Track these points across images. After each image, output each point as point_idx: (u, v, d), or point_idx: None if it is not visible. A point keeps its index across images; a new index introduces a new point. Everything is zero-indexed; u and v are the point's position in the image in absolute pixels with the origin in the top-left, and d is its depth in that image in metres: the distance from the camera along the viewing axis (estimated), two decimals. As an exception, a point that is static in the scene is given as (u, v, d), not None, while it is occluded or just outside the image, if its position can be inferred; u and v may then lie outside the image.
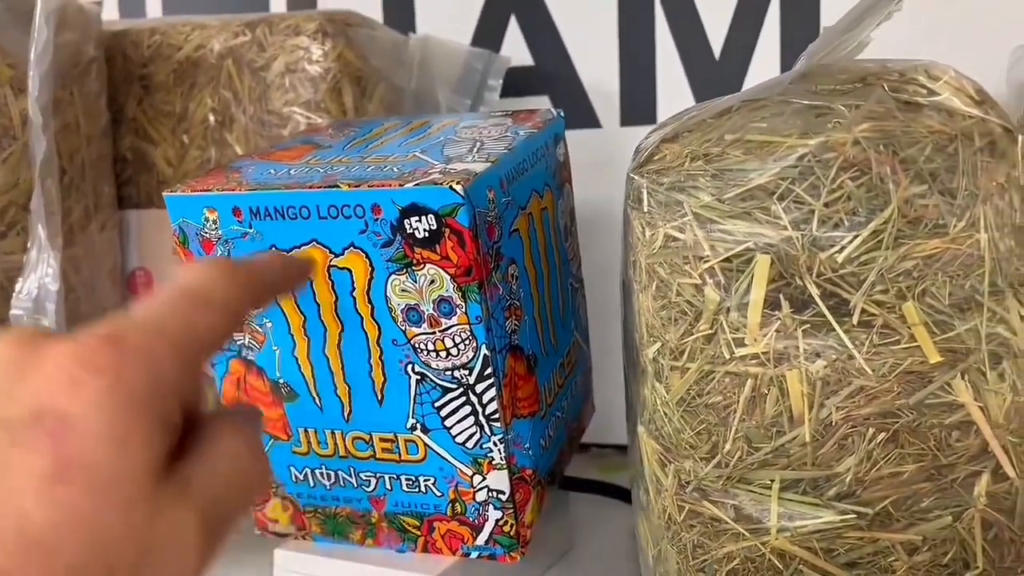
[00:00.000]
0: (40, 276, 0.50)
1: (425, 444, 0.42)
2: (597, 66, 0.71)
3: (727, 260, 0.36)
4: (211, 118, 0.61)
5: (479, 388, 0.40)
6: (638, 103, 0.71)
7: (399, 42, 0.66)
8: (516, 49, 0.72)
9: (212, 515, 0.23)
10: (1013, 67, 0.49)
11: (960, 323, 0.34)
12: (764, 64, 0.67)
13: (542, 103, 0.73)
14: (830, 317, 0.35)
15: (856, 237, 0.34)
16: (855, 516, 0.35)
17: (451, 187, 0.37)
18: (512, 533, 0.43)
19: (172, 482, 0.23)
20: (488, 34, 0.72)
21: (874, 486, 0.35)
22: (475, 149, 0.42)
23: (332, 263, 0.40)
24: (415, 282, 0.39)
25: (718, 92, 0.43)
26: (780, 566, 0.36)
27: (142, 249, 0.63)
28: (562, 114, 0.52)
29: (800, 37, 0.66)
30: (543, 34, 0.71)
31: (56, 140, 0.53)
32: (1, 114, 0.51)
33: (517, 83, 0.72)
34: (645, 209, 0.37)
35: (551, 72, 0.72)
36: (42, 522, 0.20)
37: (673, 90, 0.70)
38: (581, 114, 0.72)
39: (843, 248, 0.34)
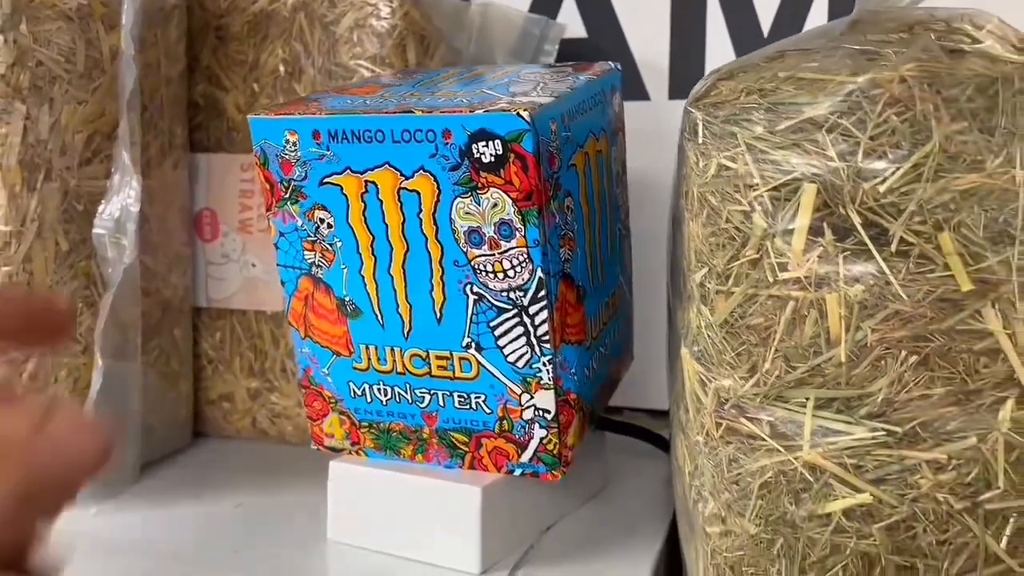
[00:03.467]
0: (123, 199, 0.54)
1: (479, 362, 0.45)
2: (648, 40, 0.74)
3: (775, 189, 0.38)
4: (281, 68, 0.65)
5: (532, 310, 0.43)
6: (687, 77, 0.74)
7: (461, 6, 0.69)
8: (570, 21, 0.75)
9: None
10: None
11: (993, 255, 0.37)
12: (812, 41, 0.69)
13: (593, 74, 0.76)
14: (870, 245, 0.37)
15: (898, 169, 0.36)
16: (885, 434, 0.38)
17: (518, 113, 0.40)
18: (555, 452, 0.46)
19: None
20: (545, 5, 0.74)
21: (904, 407, 0.38)
22: (539, 87, 0.45)
23: (402, 185, 0.43)
24: (479, 205, 0.42)
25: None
26: (811, 479, 0.39)
27: (209, 191, 0.66)
28: (619, 67, 0.55)
29: (847, 13, 0.68)
30: (597, 7, 0.74)
31: (138, 78, 0.57)
32: (92, 48, 0.54)
33: (570, 54, 0.75)
34: (700, 140, 0.40)
35: (603, 45, 0.75)
36: None
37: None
38: (631, 86, 0.75)
39: (885, 179, 0.37)
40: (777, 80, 0.39)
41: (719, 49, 0.73)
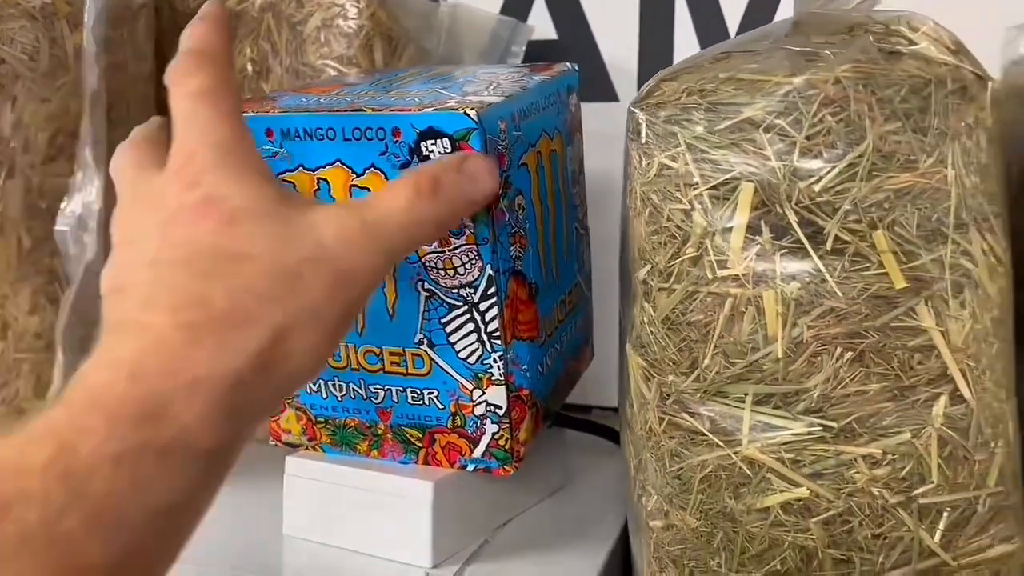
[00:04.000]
0: (85, 196, 0.54)
1: (431, 358, 0.46)
2: (617, 42, 0.75)
3: (714, 188, 0.39)
4: (249, 68, 0.65)
5: (483, 307, 0.44)
6: (655, 78, 0.74)
7: (430, 7, 0.70)
8: (541, 22, 0.76)
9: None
10: (1006, 46, 0.52)
11: (926, 253, 0.37)
12: (776, 44, 0.70)
13: (563, 76, 0.77)
14: (806, 243, 0.38)
15: (833, 169, 0.37)
16: (821, 429, 0.38)
17: (466, 112, 0.40)
18: (507, 448, 0.46)
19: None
20: (515, 6, 0.75)
21: (840, 402, 0.38)
22: (492, 87, 0.46)
23: (354, 183, 0.43)
24: None
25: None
26: (750, 474, 0.39)
27: (178, 189, 0.67)
28: (576, 68, 0.56)
29: (812, 20, 0.69)
30: (567, 9, 0.75)
31: (105, 76, 0.57)
32: (57, 46, 0.55)
33: (540, 56, 0.76)
34: (643, 140, 0.40)
35: (573, 46, 0.76)
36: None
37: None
38: (600, 88, 0.75)
39: (820, 179, 0.37)
40: (717, 81, 0.39)
41: (687, 51, 0.73)
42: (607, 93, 0.75)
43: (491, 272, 0.43)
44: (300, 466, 0.50)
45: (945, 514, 0.38)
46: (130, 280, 0.32)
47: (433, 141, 0.41)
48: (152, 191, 0.33)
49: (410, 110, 0.41)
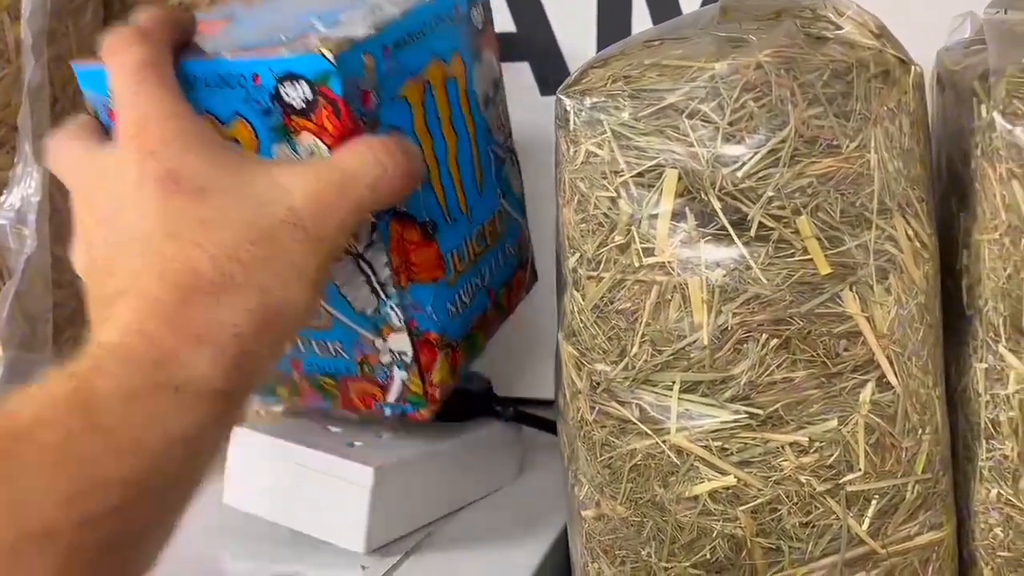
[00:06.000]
0: (24, 189, 0.54)
1: (328, 311, 0.44)
2: (576, 34, 0.74)
3: (640, 175, 0.38)
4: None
5: (368, 255, 0.42)
6: (613, 71, 0.74)
7: None
8: (500, 16, 0.75)
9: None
10: (951, 34, 0.52)
11: (850, 239, 0.37)
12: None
13: (522, 69, 0.76)
14: (730, 229, 0.37)
15: (755, 154, 0.37)
16: (748, 417, 0.38)
17: (322, 53, 0.37)
18: (420, 392, 0.45)
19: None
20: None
21: (767, 390, 0.38)
22: (369, 14, 0.42)
23: (221, 132, 0.40)
24: (296, 152, 0.40)
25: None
26: (678, 462, 0.39)
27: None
28: None
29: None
30: (526, 2, 0.75)
31: (49, 68, 0.57)
32: (-2, 38, 0.54)
33: (502, 49, 0.75)
34: (570, 128, 0.40)
35: (532, 39, 0.76)
36: None
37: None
38: (561, 79, 0.75)
39: (743, 164, 0.37)
40: (643, 67, 0.39)
41: (644, 43, 0.73)
42: (566, 85, 0.75)
43: (370, 219, 0.41)
44: (246, 437, 0.50)
45: (873, 502, 0.38)
46: (115, 256, 0.34)
47: (292, 86, 0.38)
48: (110, 167, 0.35)
49: (268, 52, 0.38)
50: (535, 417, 0.58)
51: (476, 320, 0.49)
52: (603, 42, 0.74)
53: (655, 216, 0.38)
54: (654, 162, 0.38)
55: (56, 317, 0.58)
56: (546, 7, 0.75)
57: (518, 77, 0.76)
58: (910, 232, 0.37)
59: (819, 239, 0.37)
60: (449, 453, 0.52)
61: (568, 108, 0.40)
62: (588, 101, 0.39)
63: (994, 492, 0.39)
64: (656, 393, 0.39)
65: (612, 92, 0.39)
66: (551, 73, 0.75)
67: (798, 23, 0.39)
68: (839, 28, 0.38)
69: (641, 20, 0.72)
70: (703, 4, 0.68)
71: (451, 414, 0.55)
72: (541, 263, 0.57)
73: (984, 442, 0.39)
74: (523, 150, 0.76)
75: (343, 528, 0.47)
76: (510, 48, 0.76)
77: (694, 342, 0.38)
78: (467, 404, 0.55)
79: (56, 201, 0.58)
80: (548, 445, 0.60)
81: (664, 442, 0.39)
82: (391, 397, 0.46)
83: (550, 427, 0.59)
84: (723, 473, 0.39)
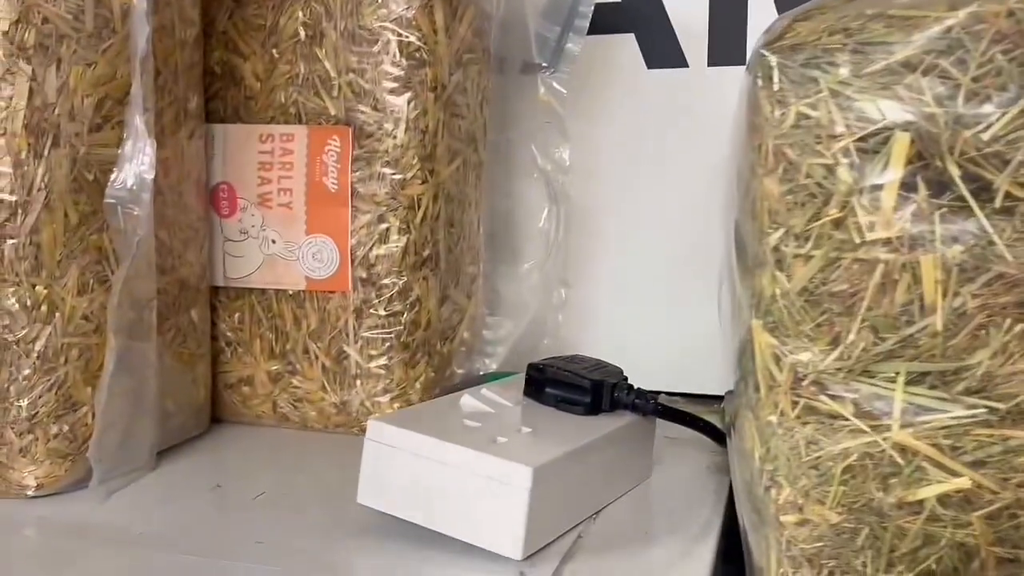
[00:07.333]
0: (136, 167, 0.50)
1: None
2: (686, 5, 0.70)
3: (862, 139, 0.34)
4: (301, 32, 0.61)
5: None
6: (727, 42, 0.70)
7: (490, -33, 0.65)
8: (606, -15, 0.71)
9: None
10: None
11: (1111, 210, 0.33)
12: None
13: (627, 41, 0.72)
14: (971, 200, 0.33)
15: (1004, 114, 0.33)
16: (985, 411, 0.34)
17: None
18: None
19: None
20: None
21: (1007, 381, 0.34)
22: None
23: None
24: None
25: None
26: (901, 462, 0.35)
27: (226, 163, 0.63)
28: None
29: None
30: (634, -30, 0.70)
31: (152, 40, 0.53)
32: (102, 5, 0.51)
33: (604, 19, 0.71)
34: (775, 87, 0.36)
35: (639, 9, 0.71)
36: None
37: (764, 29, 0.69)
38: (668, 53, 0.71)
39: (989, 126, 0.33)
40: (864, 18, 0.35)
41: (762, 13, 0.68)
42: (676, 59, 0.71)
43: None
44: (381, 431, 0.46)
45: None
46: None
47: None
48: None
49: None
50: (676, 411, 0.54)
51: None
52: (716, 11, 0.70)
53: (879, 186, 0.34)
54: (880, 124, 0.34)
55: (159, 305, 0.55)
56: (654, -25, 0.71)
57: (622, 51, 0.72)
58: None
59: (1075, 211, 0.33)
60: (597, 449, 0.48)
61: (773, 65, 0.36)
62: (799, 57, 0.35)
63: None
64: (875, 386, 0.35)
65: (829, 46, 0.35)
66: (658, 45, 0.71)
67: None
68: (1091, -28, 0.34)
69: (758, -13, 0.68)
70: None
71: (590, 406, 0.51)
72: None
73: None
74: (628, 129, 0.72)
75: (496, 532, 0.43)
76: (613, 19, 0.72)
77: (924, 328, 0.34)
78: (607, 396, 0.52)
79: (158, 181, 0.54)
80: (665, 438, 0.56)
81: (884, 440, 0.35)
82: None
83: (689, 421, 0.55)
84: (955, 474, 0.34)
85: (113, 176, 0.50)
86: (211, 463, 0.58)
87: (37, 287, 0.50)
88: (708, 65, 0.70)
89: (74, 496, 0.51)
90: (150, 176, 0.50)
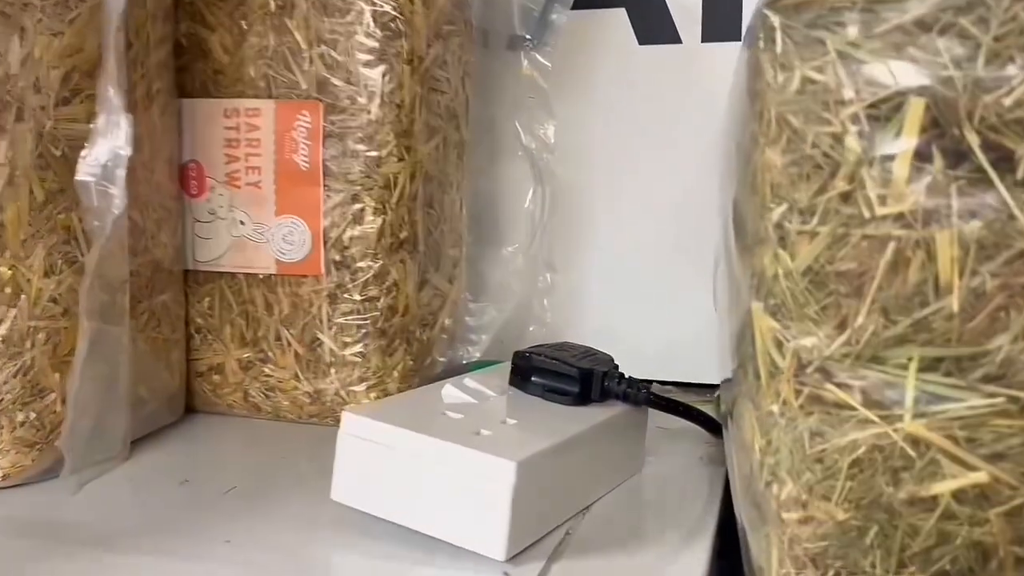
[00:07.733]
0: (111, 142, 0.47)
1: None
2: (679, -23, 0.67)
3: (873, 105, 0.31)
4: (271, 3, 0.58)
5: None
6: (723, 17, 0.67)
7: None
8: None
9: None
10: None
11: None
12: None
13: (618, 16, 0.69)
14: (991, 171, 0.30)
15: (1029, 77, 0.30)
16: (1005, 401, 0.31)
17: None
18: None
19: None
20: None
21: (1029, 368, 0.31)
22: None
23: None
24: None
25: None
26: (913, 455, 0.32)
27: (195, 140, 0.60)
28: None
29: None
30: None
31: (124, 10, 0.50)
32: (68, -28, 0.47)
33: (595, -3, 0.68)
34: (778, 49, 0.33)
35: (631, -17, 0.68)
36: None
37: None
38: (660, 28, 0.68)
39: (1012, 90, 0.30)
40: (874, -26, 0.32)
41: (757, -15, 0.66)
42: (670, 34, 0.68)
43: None
44: (356, 424, 0.43)
45: None
46: None
47: None
48: None
49: None
50: (670, 400, 0.51)
51: None
52: (710, -16, 0.67)
53: (891, 157, 0.31)
54: (893, 89, 0.31)
55: (131, 288, 0.52)
56: (643, -53, 0.68)
57: (612, 26, 0.69)
58: None
59: (1104, 182, 0.30)
60: (586, 441, 0.45)
61: (776, 25, 0.33)
62: (805, 16, 0.32)
63: None
64: (885, 372, 0.32)
65: (836, 5, 0.32)
66: (649, 20, 0.68)
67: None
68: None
69: (752, -41, 0.65)
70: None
71: (579, 396, 0.49)
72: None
73: None
74: (618, 106, 0.69)
75: (478, 531, 0.40)
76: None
77: (939, 310, 0.31)
78: (597, 385, 0.49)
79: (129, 160, 0.51)
80: (655, 428, 0.54)
81: (896, 431, 0.32)
82: None
83: (683, 412, 0.53)
84: (971, 468, 0.32)
85: (85, 152, 0.47)
86: (184, 455, 0.55)
87: (1, 268, 0.47)
88: (702, 41, 0.68)
89: (42, 487, 0.48)
90: (126, 152, 0.47)
